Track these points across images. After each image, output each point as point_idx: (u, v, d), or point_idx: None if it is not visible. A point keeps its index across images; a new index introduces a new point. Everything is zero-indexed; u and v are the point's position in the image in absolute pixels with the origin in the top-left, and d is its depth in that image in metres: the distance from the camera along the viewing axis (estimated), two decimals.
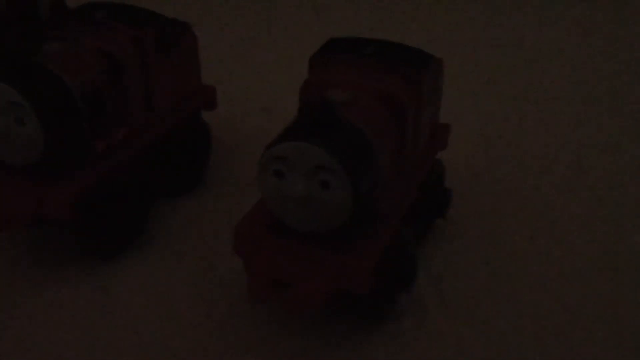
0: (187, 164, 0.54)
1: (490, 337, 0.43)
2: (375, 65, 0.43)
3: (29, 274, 0.47)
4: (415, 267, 0.44)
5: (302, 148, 0.37)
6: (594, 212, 0.53)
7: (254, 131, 0.61)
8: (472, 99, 0.67)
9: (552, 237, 0.51)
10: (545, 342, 0.43)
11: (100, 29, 0.48)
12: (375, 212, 0.41)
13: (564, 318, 0.44)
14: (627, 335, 0.43)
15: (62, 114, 0.44)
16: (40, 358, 0.42)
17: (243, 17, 0.82)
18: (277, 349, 0.42)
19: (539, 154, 0.59)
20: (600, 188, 0.55)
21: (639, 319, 0.44)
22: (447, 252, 0.49)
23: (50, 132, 0.43)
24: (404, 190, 0.44)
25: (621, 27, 0.80)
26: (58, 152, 0.44)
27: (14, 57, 0.44)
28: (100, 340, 0.43)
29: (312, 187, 0.37)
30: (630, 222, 0.52)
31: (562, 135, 0.62)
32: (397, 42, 0.46)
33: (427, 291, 0.46)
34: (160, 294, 0.46)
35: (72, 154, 0.45)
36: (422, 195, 0.47)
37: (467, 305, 0.45)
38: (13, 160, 0.44)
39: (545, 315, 0.45)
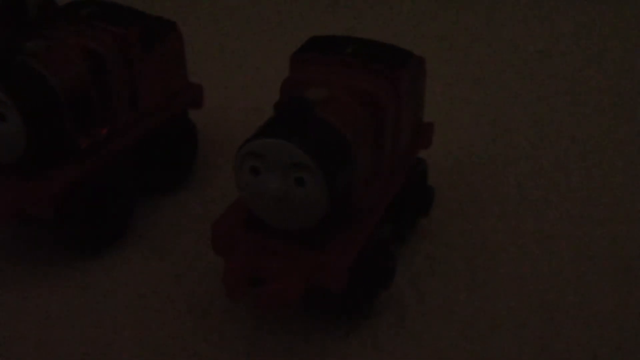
0: (172, 162, 0.54)
1: (469, 337, 0.43)
2: (354, 63, 0.43)
3: (7, 272, 0.48)
4: (394, 265, 0.44)
5: (278, 145, 0.37)
6: (577, 213, 0.53)
7: (241, 130, 0.61)
8: (458, 99, 0.67)
9: (534, 238, 0.50)
10: (525, 342, 0.43)
11: (84, 27, 0.48)
12: (352, 209, 0.41)
13: (543, 318, 0.44)
14: (606, 335, 0.43)
15: (45, 111, 0.44)
16: (20, 355, 0.42)
17: (232, 15, 0.82)
18: (256, 346, 0.43)
19: (524, 154, 0.59)
20: (585, 189, 0.55)
21: (618, 319, 0.44)
22: (428, 251, 0.49)
23: (33, 128, 0.43)
24: (384, 188, 0.44)
25: (619, 25, 0.80)
26: (40, 149, 0.44)
27: None
28: (81, 337, 0.43)
29: (287, 185, 0.37)
30: (612, 224, 0.52)
31: (548, 135, 0.62)
32: (378, 41, 0.46)
33: (406, 290, 0.46)
34: (141, 291, 0.46)
35: (54, 151, 0.46)
36: (404, 194, 0.47)
37: (447, 305, 0.45)
38: None
39: (524, 316, 0.45)
